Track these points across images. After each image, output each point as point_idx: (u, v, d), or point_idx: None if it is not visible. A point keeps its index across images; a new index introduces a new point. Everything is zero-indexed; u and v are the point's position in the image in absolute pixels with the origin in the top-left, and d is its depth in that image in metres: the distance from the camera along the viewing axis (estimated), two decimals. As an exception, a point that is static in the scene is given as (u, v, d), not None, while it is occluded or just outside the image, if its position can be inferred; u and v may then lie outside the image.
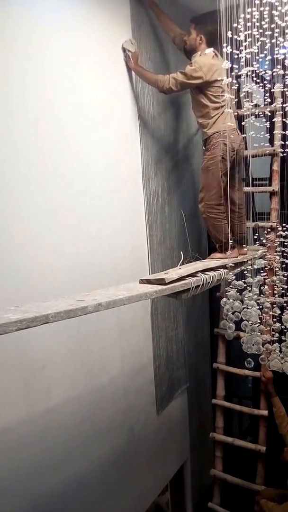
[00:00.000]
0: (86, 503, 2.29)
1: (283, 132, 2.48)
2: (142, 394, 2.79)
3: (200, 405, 3.75)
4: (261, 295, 2.28)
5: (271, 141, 2.81)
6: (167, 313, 3.06)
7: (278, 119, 2.49)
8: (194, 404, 3.61)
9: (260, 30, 1.66)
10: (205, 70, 2.34)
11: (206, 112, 2.47)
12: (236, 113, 2.59)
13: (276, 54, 1.66)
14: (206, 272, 2.11)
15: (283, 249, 2.50)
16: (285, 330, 2.01)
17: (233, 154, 2.42)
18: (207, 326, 3.85)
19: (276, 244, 2.66)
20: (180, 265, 2.23)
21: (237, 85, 2.31)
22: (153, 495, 3.07)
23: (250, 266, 2.28)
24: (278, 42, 1.68)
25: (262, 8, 1.56)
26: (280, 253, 2.53)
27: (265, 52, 1.66)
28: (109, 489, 2.49)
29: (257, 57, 1.72)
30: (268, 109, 2.17)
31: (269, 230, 2.79)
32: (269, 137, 2.70)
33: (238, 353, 3.36)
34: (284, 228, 2.44)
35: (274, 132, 2.70)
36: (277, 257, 2.56)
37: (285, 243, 2.52)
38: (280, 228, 2.55)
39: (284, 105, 2.15)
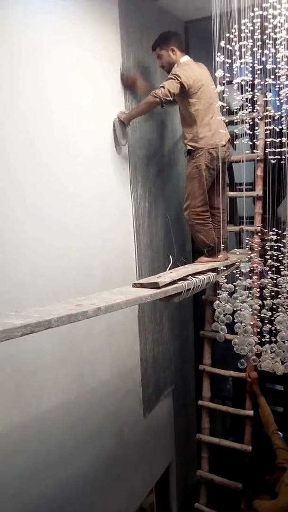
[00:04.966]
0: (76, 506, 2.28)
1: (267, 140, 2.54)
2: (130, 396, 2.80)
3: (185, 406, 3.79)
4: (250, 297, 2.32)
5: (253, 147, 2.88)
6: (154, 316, 3.08)
7: (261, 125, 2.55)
8: (179, 406, 3.64)
9: (250, 41, 1.71)
10: (186, 75, 2.37)
11: (189, 123, 2.48)
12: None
13: (268, 64, 1.71)
14: (196, 276, 2.15)
15: (268, 252, 2.56)
16: (274, 332, 2.06)
17: (218, 164, 2.44)
18: (191, 328, 3.89)
19: (260, 248, 2.72)
20: (169, 268, 2.26)
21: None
22: (140, 497, 3.07)
23: (238, 269, 2.32)
24: (267, 53, 1.73)
25: (254, 19, 1.61)
26: (265, 256, 2.58)
27: (256, 62, 1.71)
28: (99, 492, 2.49)
29: (247, 67, 1.77)
30: (259, 116, 2.23)
31: (254, 234, 2.86)
32: (251, 144, 2.76)
33: (221, 354, 3.43)
34: (271, 233, 2.49)
35: (256, 139, 2.76)
36: (262, 260, 2.61)
37: (267, 247, 2.58)
38: (266, 231, 2.61)
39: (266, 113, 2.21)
